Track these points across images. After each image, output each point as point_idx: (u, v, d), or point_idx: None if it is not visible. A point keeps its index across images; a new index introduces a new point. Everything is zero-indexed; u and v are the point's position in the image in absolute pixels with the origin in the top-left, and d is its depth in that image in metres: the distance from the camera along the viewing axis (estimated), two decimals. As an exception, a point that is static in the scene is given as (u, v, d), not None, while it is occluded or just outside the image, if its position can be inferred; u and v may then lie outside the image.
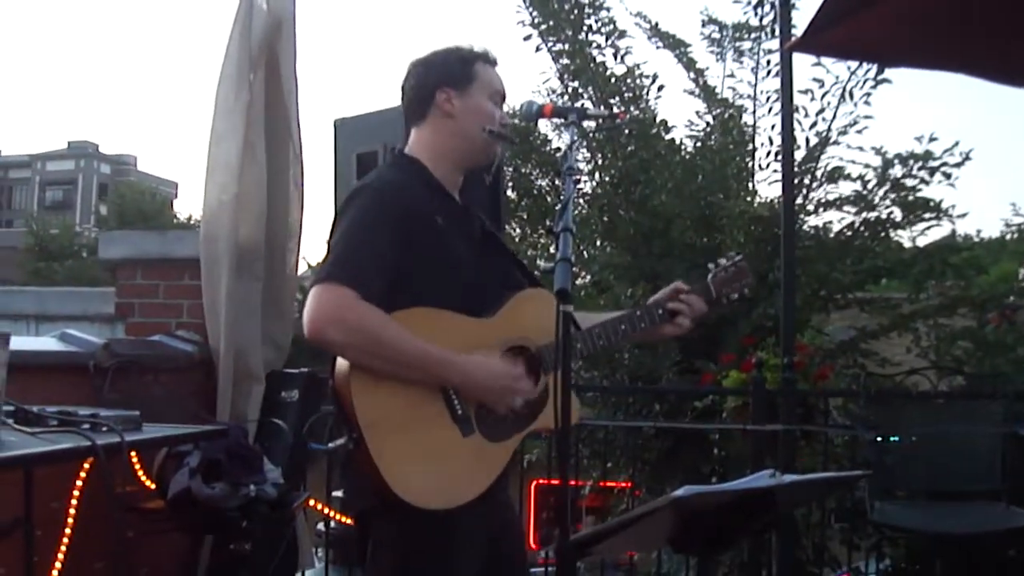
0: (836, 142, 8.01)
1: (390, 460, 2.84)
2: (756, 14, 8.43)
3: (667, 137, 8.56)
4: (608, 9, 8.45)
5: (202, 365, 5.71)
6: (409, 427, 2.90)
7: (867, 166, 8.01)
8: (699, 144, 8.72)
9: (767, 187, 8.47)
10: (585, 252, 8.76)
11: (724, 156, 8.28)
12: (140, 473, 4.90)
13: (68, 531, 4.37)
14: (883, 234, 8.23)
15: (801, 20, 6.15)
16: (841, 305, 8.30)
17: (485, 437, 3.01)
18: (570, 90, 8.62)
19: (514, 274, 3.33)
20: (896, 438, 5.84)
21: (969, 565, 5.82)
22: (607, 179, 8.60)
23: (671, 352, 7.48)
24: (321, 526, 5.78)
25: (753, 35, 8.52)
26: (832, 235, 8.23)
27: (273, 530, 4.99)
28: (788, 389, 5.79)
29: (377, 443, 2.84)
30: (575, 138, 3.04)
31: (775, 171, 8.07)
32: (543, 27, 8.50)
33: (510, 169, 8.49)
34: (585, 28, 8.45)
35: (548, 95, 8.71)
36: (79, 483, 4.41)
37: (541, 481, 7.68)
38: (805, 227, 8.17)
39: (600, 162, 8.67)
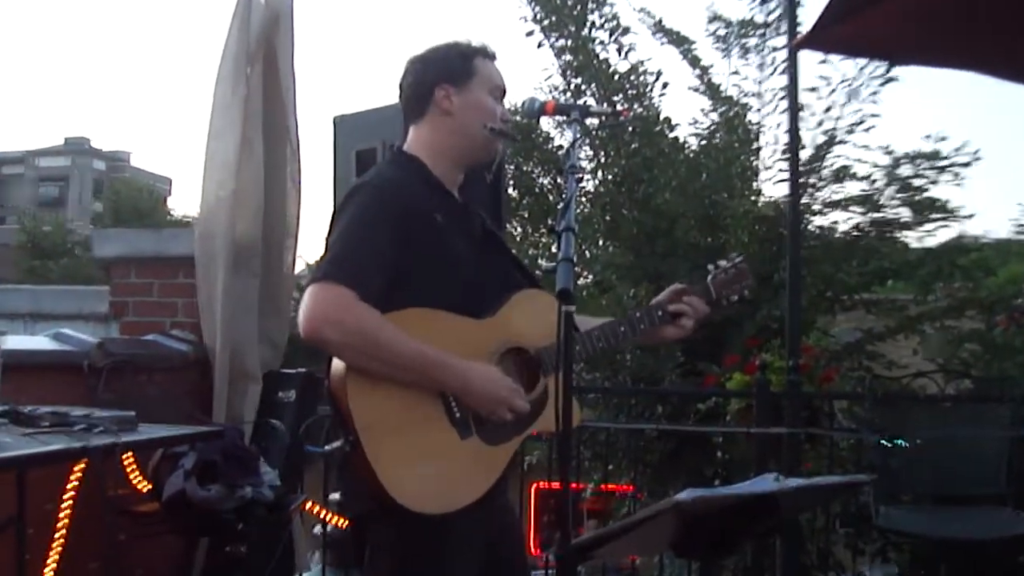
0: (843, 141, 8.03)
1: (387, 463, 2.84)
2: (762, 10, 8.46)
3: (671, 135, 8.59)
4: (612, 5, 8.50)
5: (197, 365, 5.72)
6: (406, 429, 2.90)
7: (875, 165, 8.04)
8: (703, 142, 8.73)
9: (772, 186, 8.50)
10: (587, 252, 8.77)
11: (729, 155, 8.29)
12: (135, 475, 4.90)
13: (61, 532, 4.37)
14: (890, 235, 8.24)
15: (808, 17, 6.18)
16: (847, 306, 8.32)
17: (483, 440, 3.01)
18: (573, 87, 8.64)
19: (513, 274, 3.33)
20: (902, 442, 5.83)
21: (975, 571, 5.82)
22: (610, 177, 8.61)
23: (674, 354, 7.50)
24: (318, 529, 5.78)
25: (759, 32, 8.54)
26: (838, 235, 8.25)
27: (269, 533, 4.99)
28: (793, 391, 5.79)
29: (373, 446, 2.84)
30: (578, 136, 3.02)
31: (781, 170, 8.11)
32: (545, 23, 8.52)
33: (511, 167, 8.50)
34: (588, 24, 8.47)
35: (550, 92, 8.74)
36: (73, 484, 4.41)
37: (542, 484, 7.67)
38: (811, 227, 8.19)
39: (603, 160, 8.68)
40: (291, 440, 5.38)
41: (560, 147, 8.72)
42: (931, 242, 8.33)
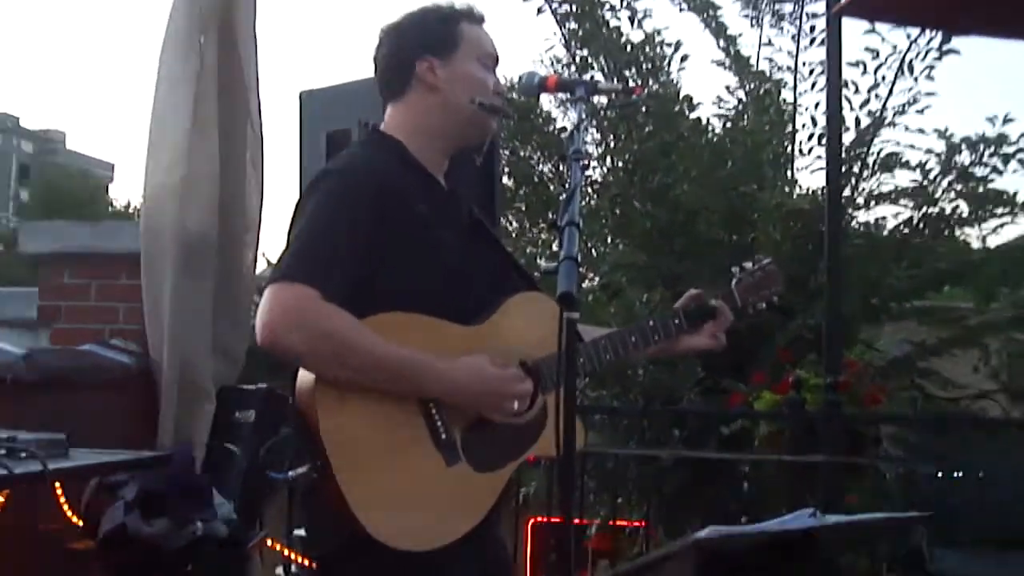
0: (892, 123, 8.06)
1: (361, 492, 2.84)
2: (799, -29, 8.48)
3: (692, 116, 8.60)
4: (624, -37, 8.49)
5: (141, 379, 5.71)
6: (384, 453, 2.90)
7: (928, 152, 8.06)
8: (729, 125, 8.76)
9: (809, 176, 8.53)
10: (593, 250, 8.80)
11: (758, 139, 8.30)
12: (66, 507, 4.90)
13: (-20, 574, 4.38)
14: (946, 232, 8.26)
15: (851, -21, 6.17)
16: (896, 315, 8.33)
17: (473, 466, 3.01)
18: (578, 60, 8.67)
19: (507, 273, 3.33)
20: (960, 474, 5.84)
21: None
22: (620, 165, 8.63)
23: (693, 369, 7.50)
24: (280, 570, 5.78)
25: (795, -4, 8.57)
26: (886, 233, 8.26)
27: (224, 574, 4.99)
28: (832, 413, 5.80)
29: (346, 472, 2.83)
30: (583, 116, 3.03)
31: (819, 157, 8.13)
32: (547, -15, 8.53)
33: (507, 153, 8.52)
34: (597, -14, 8.49)
35: (552, 65, 8.75)
36: (-7, 518, 4.41)
37: (540, 519, 7.67)
38: (854, 223, 8.21)
39: (612, 145, 8.70)
40: (249, 466, 5.37)
41: (563, 129, 8.74)
42: (994, 241, 8.36)
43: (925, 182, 8.05)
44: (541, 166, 9.05)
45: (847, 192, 7.90)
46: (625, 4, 8.50)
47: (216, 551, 4.77)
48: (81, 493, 4.97)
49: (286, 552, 5.38)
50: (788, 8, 8.61)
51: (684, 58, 8.61)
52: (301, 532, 5.00)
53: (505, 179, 8.59)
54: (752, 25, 8.87)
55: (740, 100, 8.82)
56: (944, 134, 7.98)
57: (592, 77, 8.22)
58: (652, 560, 2.65)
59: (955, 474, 5.84)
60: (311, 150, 5.23)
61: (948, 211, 8.10)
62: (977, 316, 8.19)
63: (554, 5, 8.56)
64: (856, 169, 8.12)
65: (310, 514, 3.20)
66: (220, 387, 5.73)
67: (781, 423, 6.27)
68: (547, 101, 8.66)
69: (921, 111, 7.95)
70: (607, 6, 8.49)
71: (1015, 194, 8.03)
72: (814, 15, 8.34)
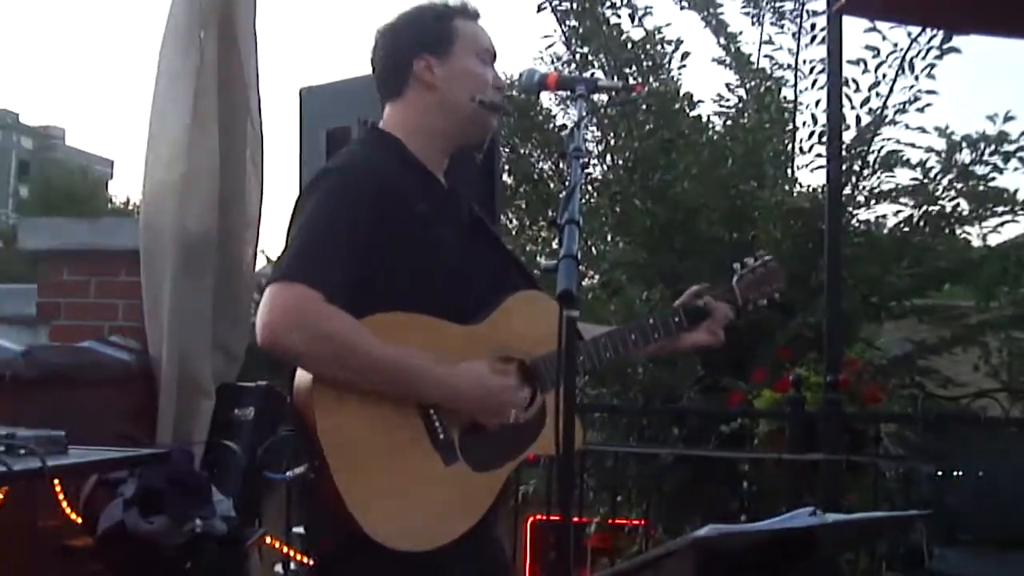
0: (893, 121, 8.04)
1: (359, 492, 2.83)
2: (800, -31, 8.46)
3: (692, 114, 8.60)
4: (624, -39, 8.48)
5: (140, 377, 5.71)
6: (382, 453, 2.89)
7: (929, 150, 8.05)
8: (729, 122, 8.75)
9: (809, 174, 8.50)
10: (593, 248, 8.78)
11: (759, 137, 8.29)
12: (65, 504, 4.90)
13: (-21, 571, 4.38)
14: (947, 230, 8.26)
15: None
16: (896, 314, 8.32)
17: (471, 466, 3.01)
18: (578, 57, 8.66)
19: (508, 271, 3.33)
20: (960, 473, 5.84)
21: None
22: (620, 163, 8.62)
23: (693, 367, 7.50)
24: (279, 568, 5.78)
25: (796, -7, 8.56)
26: (886, 231, 8.25)
27: (223, 572, 4.99)
28: (832, 412, 5.80)
29: (344, 472, 2.83)
30: (584, 114, 3.03)
31: (819, 155, 8.11)
32: (547, -19, 8.53)
33: (507, 151, 8.51)
34: (597, -16, 8.48)
35: (552, 63, 8.75)
36: (-8, 515, 4.41)
37: (539, 517, 7.67)
38: (854, 221, 8.20)
39: (613, 143, 8.70)
40: (248, 464, 5.37)
41: (563, 127, 8.73)
42: (995, 239, 8.35)
43: (926, 180, 8.04)
44: (541, 164, 9.05)
45: (847, 190, 7.89)
46: (626, 2, 8.50)
47: (215, 548, 4.77)
48: (80, 490, 4.97)
49: (285, 550, 5.38)
50: (789, 6, 8.60)
51: (685, 56, 8.62)
52: (300, 530, 5.01)
53: (505, 177, 8.58)
54: (753, 23, 8.86)
55: (740, 98, 8.82)
56: (945, 132, 7.98)
57: (592, 74, 8.22)
58: (651, 558, 2.65)
59: (955, 473, 5.84)
60: (311, 147, 5.23)
61: (949, 209, 8.09)
62: (977, 314, 8.18)
63: (554, 2, 8.56)
64: (857, 167, 8.11)
65: (308, 513, 3.21)
66: (219, 384, 5.73)
67: (781, 422, 6.27)
68: (547, 99, 8.66)
69: (922, 109, 7.95)
70: (608, 4, 8.49)
71: (1015, 192, 8.02)
72: (815, 13, 8.33)
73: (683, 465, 7.18)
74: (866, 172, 8.19)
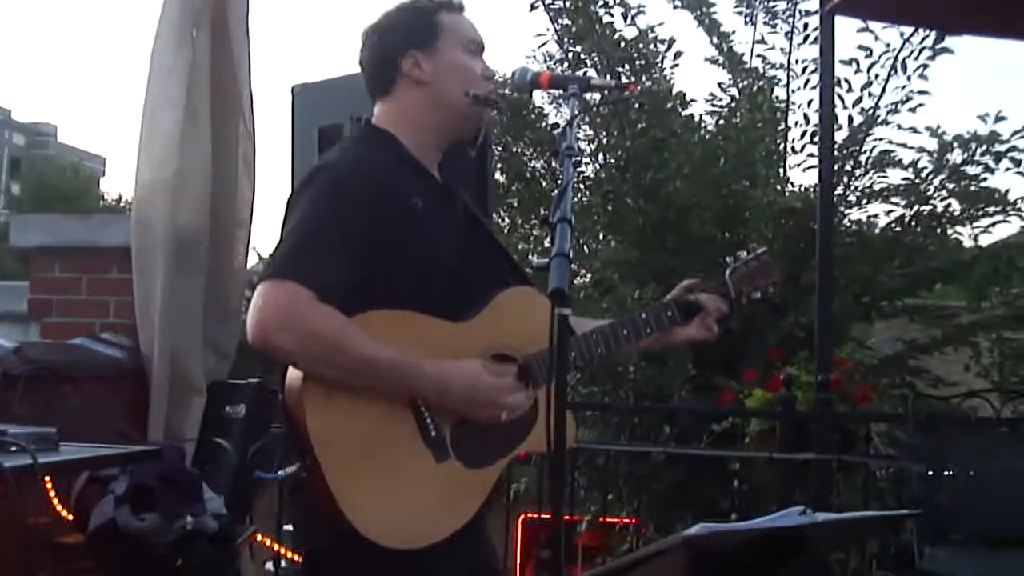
0: (885, 121, 8.05)
1: (351, 490, 2.83)
2: (792, -31, 8.47)
3: (684, 113, 8.60)
4: (617, -40, 8.48)
5: (131, 374, 5.70)
6: (374, 451, 2.89)
7: (921, 150, 8.05)
8: (722, 122, 8.75)
9: (801, 173, 8.51)
10: (585, 246, 8.79)
11: (751, 136, 8.29)
12: (56, 501, 4.89)
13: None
14: (938, 230, 8.27)
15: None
16: (887, 314, 8.33)
17: (463, 463, 3.00)
18: (571, 56, 8.65)
19: (501, 267, 3.33)
20: (951, 472, 5.84)
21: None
22: (613, 161, 8.62)
23: (684, 365, 7.50)
24: (270, 565, 5.78)
25: (789, -7, 8.56)
26: (878, 231, 8.26)
27: (214, 569, 4.98)
28: (823, 411, 5.81)
29: (335, 469, 2.83)
30: (576, 113, 3.03)
31: (811, 155, 8.10)
32: (540, -20, 8.52)
33: (499, 148, 8.50)
34: (590, -18, 8.47)
35: (545, 62, 8.74)
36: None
37: (530, 515, 7.67)
38: (846, 221, 8.21)
39: (605, 141, 8.70)
40: (239, 462, 5.37)
41: (556, 126, 8.73)
42: (986, 240, 8.35)
43: (917, 180, 8.05)
44: (533, 162, 9.04)
45: (839, 190, 7.90)
46: (618, 1, 8.50)
47: (206, 546, 4.76)
48: (71, 487, 4.96)
49: (276, 547, 5.38)
50: (782, 6, 8.59)
51: (677, 55, 8.62)
52: (291, 528, 5.01)
53: (497, 175, 8.57)
54: (745, 22, 8.86)
55: (733, 97, 8.82)
56: (937, 132, 7.98)
57: (585, 73, 8.22)
58: (641, 556, 2.65)
59: (945, 473, 5.84)
60: (303, 145, 5.22)
61: (940, 209, 8.10)
62: (968, 314, 8.18)
63: (547, 1, 8.55)
64: (849, 167, 8.12)
65: (299, 511, 3.21)
66: (210, 382, 5.73)
67: (772, 421, 6.27)
68: (540, 97, 8.66)
69: (914, 109, 7.95)
70: (600, 2, 8.48)
71: (1007, 193, 8.03)
72: (807, 13, 8.33)
73: (674, 464, 7.18)
74: (858, 172, 8.20)
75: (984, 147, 7.86)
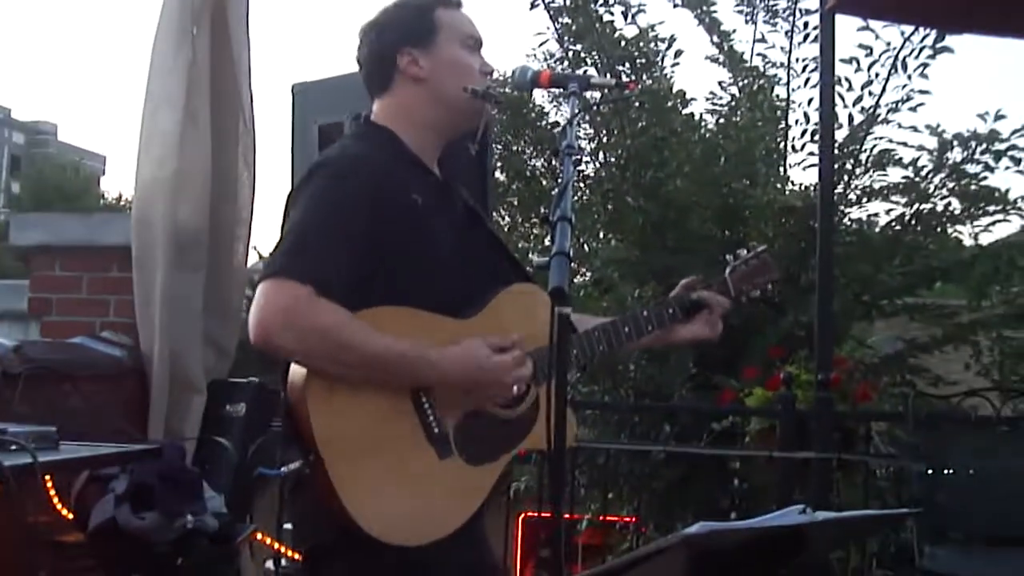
0: (885, 120, 8.04)
1: (353, 487, 2.83)
2: (793, -33, 8.46)
3: (685, 112, 8.59)
4: (618, -41, 8.47)
5: (132, 373, 5.71)
6: (376, 447, 2.89)
7: (921, 149, 8.03)
8: (722, 121, 8.74)
9: (802, 172, 8.50)
10: (586, 245, 8.78)
11: (751, 135, 8.29)
12: (56, 500, 4.89)
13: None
14: (939, 229, 8.25)
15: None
16: (887, 312, 8.32)
17: (465, 459, 3.00)
18: (571, 55, 8.64)
19: (501, 265, 3.32)
20: (951, 471, 5.84)
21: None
22: (613, 160, 8.61)
23: (685, 364, 7.49)
24: (270, 564, 5.77)
25: (789, -8, 8.55)
26: (878, 230, 8.25)
27: (213, 568, 4.98)
28: (823, 410, 5.80)
29: (338, 466, 2.82)
30: (576, 111, 3.03)
31: (812, 153, 8.09)
32: (540, -21, 8.52)
33: (499, 147, 8.50)
34: (590, -19, 8.47)
35: (545, 60, 8.73)
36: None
37: (530, 514, 7.66)
38: (846, 220, 8.20)
39: (605, 140, 8.69)
40: (240, 460, 5.37)
41: (556, 124, 8.72)
42: (987, 238, 8.34)
43: (917, 179, 8.04)
44: (534, 161, 9.04)
45: (839, 189, 7.89)
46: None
47: (206, 545, 4.76)
48: (71, 486, 4.95)
49: (276, 546, 5.37)
50: (782, 4, 8.58)
51: (678, 54, 8.60)
52: (291, 526, 5.01)
53: (497, 173, 8.57)
54: (746, 21, 8.85)
55: (733, 96, 8.81)
56: (937, 131, 7.97)
57: (585, 72, 8.21)
58: (641, 555, 2.64)
59: (945, 471, 5.84)
60: (303, 143, 5.23)
61: (940, 208, 8.08)
62: (969, 313, 8.17)
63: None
64: (849, 166, 8.11)
65: (299, 509, 3.19)
66: (211, 380, 5.73)
67: (772, 420, 6.27)
68: (540, 96, 8.66)
69: (915, 108, 7.94)
70: (601, 1, 8.47)
71: (1007, 191, 8.02)
72: (808, 11, 8.32)
73: (674, 462, 7.18)
74: (858, 171, 8.18)
75: (984, 146, 7.85)
